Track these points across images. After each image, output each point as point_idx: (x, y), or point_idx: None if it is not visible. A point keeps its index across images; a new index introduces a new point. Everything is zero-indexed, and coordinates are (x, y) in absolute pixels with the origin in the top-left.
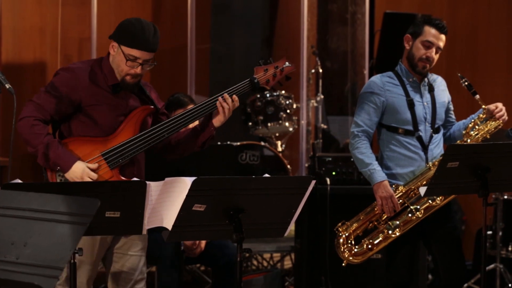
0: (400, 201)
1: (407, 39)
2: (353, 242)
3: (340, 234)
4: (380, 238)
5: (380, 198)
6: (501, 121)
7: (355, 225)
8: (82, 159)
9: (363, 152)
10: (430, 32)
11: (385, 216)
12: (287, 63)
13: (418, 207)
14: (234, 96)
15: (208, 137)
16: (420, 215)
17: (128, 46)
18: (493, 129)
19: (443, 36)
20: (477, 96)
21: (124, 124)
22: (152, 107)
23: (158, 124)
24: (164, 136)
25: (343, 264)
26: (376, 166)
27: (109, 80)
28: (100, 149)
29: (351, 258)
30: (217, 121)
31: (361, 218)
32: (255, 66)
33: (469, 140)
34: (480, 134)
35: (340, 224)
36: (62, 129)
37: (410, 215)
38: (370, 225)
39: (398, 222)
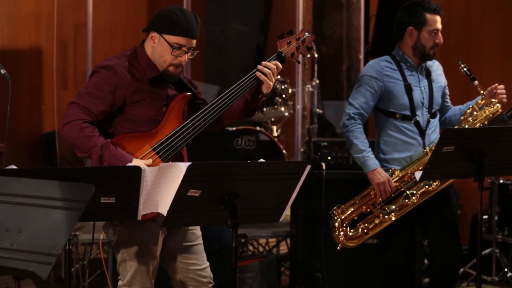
0: (396, 184)
1: (410, 32)
2: (348, 226)
3: (336, 217)
4: (376, 222)
5: (378, 185)
6: (499, 106)
7: (350, 208)
8: (134, 156)
9: (358, 137)
10: (433, 19)
11: (381, 200)
12: (307, 33)
13: (414, 191)
14: (274, 61)
15: (257, 105)
16: (416, 200)
17: (172, 34)
18: (491, 115)
19: (440, 17)
20: (476, 82)
21: (168, 115)
22: (190, 93)
23: (202, 110)
24: (209, 122)
25: (338, 248)
26: (370, 153)
27: (147, 73)
28: (150, 144)
29: (346, 241)
30: (265, 88)
31: (357, 202)
32: (278, 40)
33: (467, 126)
34: (478, 119)
35: (335, 207)
36: (107, 128)
37: (406, 199)
38: (366, 209)
39: (394, 207)
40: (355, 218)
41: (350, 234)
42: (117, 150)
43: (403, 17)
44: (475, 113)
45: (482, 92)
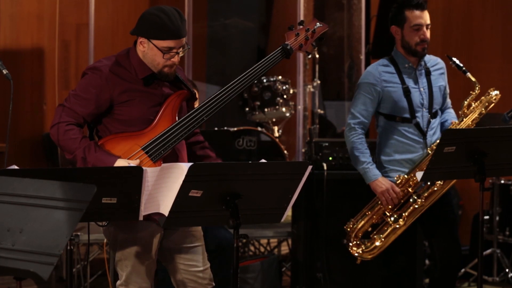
0: (402, 189)
1: (395, 30)
2: (363, 239)
3: (349, 233)
4: (389, 231)
5: (382, 194)
6: (497, 93)
7: (361, 222)
8: (123, 156)
9: (359, 148)
10: (414, 15)
11: (390, 208)
12: (318, 23)
13: (421, 194)
14: None
15: None
16: (423, 202)
17: (160, 39)
18: (487, 104)
19: (426, 12)
20: (468, 74)
21: (161, 113)
22: (187, 91)
23: (197, 107)
24: (203, 119)
25: (357, 262)
26: (370, 164)
27: (139, 74)
28: (140, 143)
29: (363, 254)
30: None
31: (367, 213)
32: (287, 32)
33: (465, 118)
34: (476, 110)
35: (347, 223)
36: (99, 128)
37: (414, 203)
38: (377, 219)
39: (403, 213)
40: (369, 230)
41: (366, 246)
42: (100, 151)
43: (390, 17)
44: (472, 104)
45: (476, 84)
